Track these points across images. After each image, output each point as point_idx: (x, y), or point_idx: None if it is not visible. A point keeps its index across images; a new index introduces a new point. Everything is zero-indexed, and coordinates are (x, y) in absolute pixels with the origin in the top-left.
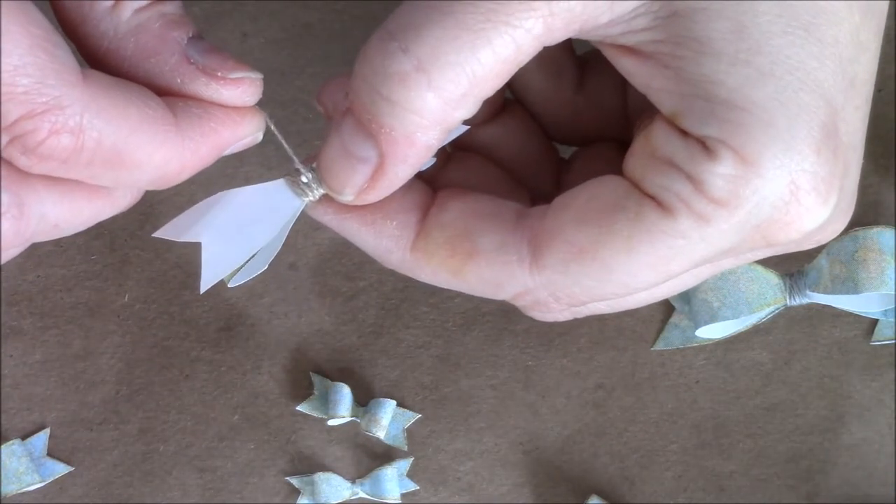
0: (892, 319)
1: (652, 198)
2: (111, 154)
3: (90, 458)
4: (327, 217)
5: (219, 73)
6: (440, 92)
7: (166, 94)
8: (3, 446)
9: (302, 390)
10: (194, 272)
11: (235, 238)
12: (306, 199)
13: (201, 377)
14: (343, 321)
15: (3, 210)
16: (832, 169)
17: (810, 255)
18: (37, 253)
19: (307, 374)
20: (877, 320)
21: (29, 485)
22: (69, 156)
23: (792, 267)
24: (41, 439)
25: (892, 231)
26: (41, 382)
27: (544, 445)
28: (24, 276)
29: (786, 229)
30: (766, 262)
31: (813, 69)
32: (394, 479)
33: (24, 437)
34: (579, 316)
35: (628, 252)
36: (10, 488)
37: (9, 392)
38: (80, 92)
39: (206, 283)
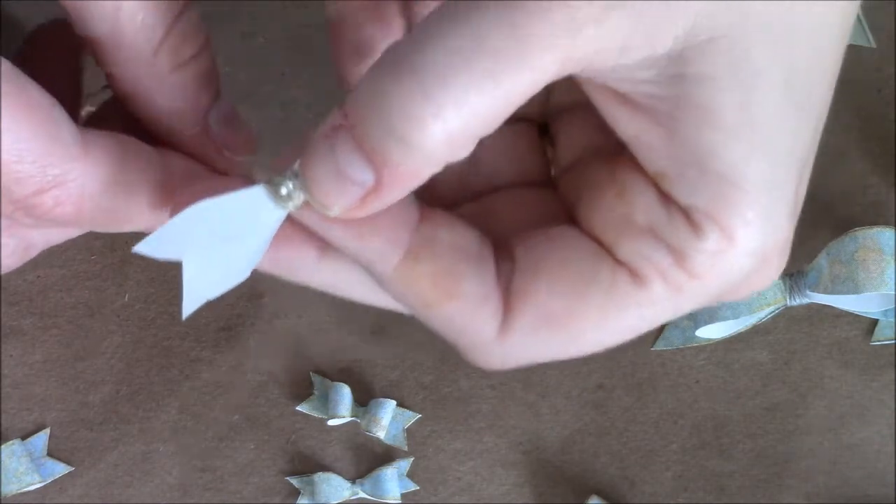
0: (892, 319)
1: (624, 265)
2: (109, 214)
3: (90, 458)
4: (311, 221)
5: (226, 154)
6: (454, 135)
7: (175, 147)
8: (3, 446)
9: (302, 390)
10: None
11: (216, 255)
12: (287, 208)
13: (201, 377)
14: (343, 321)
15: (10, 252)
16: (792, 230)
17: (810, 255)
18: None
19: (307, 374)
20: (877, 320)
21: (29, 485)
22: (70, 219)
23: (792, 267)
24: (41, 439)
25: (892, 231)
26: (41, 382)
27: (544, 445)
28: (24, 276)
29: (745, 290)
30: None
31: (800, 147)
32: (394, 479)
33: (24, 437)
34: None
35: (600, 321)
36: (10, 488)
37: (9, 392)
38: (81, 165)
39: (188, 309)
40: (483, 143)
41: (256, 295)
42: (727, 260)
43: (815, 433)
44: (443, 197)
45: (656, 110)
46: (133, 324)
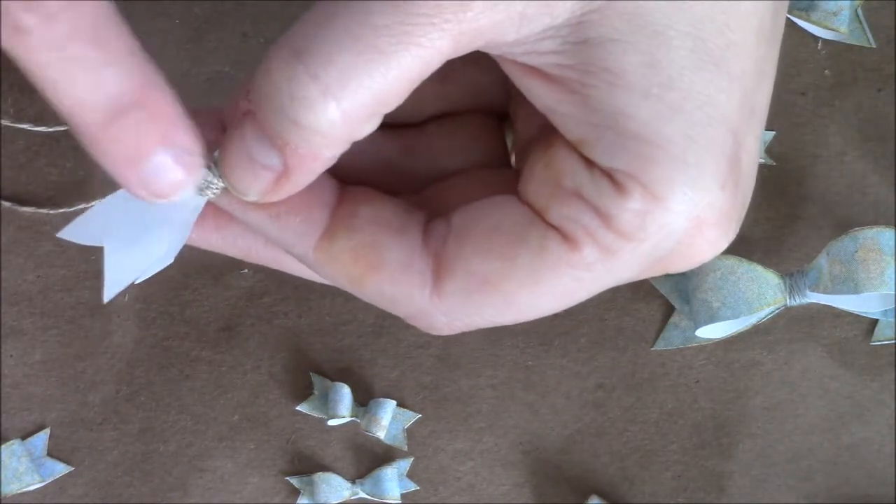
0: (892, 319)
1: (556, 229)
2: None
3: (90, 458)
4: (231, 207)
5: None
6: (348, 114)
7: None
8: (3, 446)
9: (302, 390)
10: (194, 272)
11: (138, 241)
12: (207, 195)
13: (201, 377)
14: (343, 321)
15: None
16: (734, 202)
17: (810, 255)
18: (37, 253)
19: (307, 374)
20: (877, 320)
21: (29, 485)
22: None
23: (792, 267)
24: (41, 439)
25: (892, 231)
26: (41, 382)
27: (544, 445)
28: (24, 276)
29: (686, 260)
30: (766, 262)
31: (721, 103)
32: (394, 479)
33: (24, 437)
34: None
35: (533, 285)
36: (10, 488)
37: (9, 392)
38: None
39: (109, 293)
40: (443, 134)
41: (256, 295)
42: (656, 220)
43: (815, 433)
44: (400, 186)
45: (567, 79)
46: (133, 324)
